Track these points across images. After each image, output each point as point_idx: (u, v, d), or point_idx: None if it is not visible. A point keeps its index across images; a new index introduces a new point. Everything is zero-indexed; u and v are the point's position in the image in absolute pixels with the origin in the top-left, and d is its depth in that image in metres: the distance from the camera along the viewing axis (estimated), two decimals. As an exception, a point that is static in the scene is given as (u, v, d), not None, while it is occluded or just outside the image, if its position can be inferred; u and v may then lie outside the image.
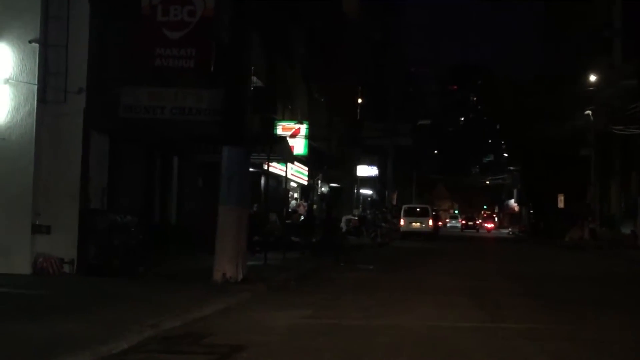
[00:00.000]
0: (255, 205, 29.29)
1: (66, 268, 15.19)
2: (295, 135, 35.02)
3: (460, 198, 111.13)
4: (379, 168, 56.12)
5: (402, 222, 45.35)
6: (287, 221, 33.19)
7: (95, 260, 15.51)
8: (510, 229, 65.99)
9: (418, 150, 71.49)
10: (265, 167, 31.47)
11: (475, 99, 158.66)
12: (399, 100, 59.08)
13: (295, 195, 42.59)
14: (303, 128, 35.58)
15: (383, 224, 39.64)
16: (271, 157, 21.75)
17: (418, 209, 46.94)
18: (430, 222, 45.73)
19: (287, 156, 22.11)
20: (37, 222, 15.01)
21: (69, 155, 15.35)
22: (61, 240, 15.14)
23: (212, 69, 16.01)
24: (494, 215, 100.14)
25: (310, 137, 35.49)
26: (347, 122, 51.01)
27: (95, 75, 15.68)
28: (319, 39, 43.43)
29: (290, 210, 38.27)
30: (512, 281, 18.93)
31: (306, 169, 41.22)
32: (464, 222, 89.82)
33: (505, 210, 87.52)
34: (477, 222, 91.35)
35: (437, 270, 22.14)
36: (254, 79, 28.33)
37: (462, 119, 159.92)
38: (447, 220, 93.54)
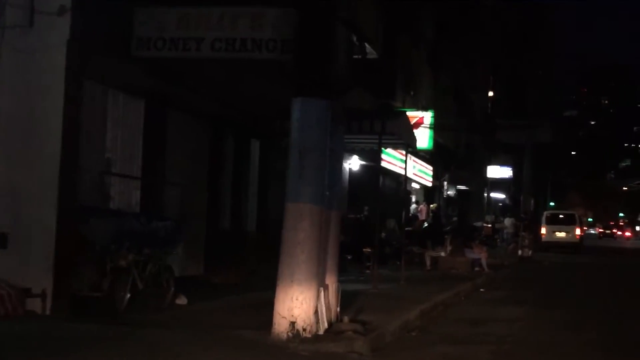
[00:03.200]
0: (366, 208, 22.58)
1: (34, 305, 8.79)
2: (419, 125, 27.96)
3: (594, 205, 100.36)
4: (512, 169, 48.12)
5: (543, 230, 37.42)
6: (408, 229, 26.30)
7: (87, 292, 9.07)
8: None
9: (556, 150, 62.76)
10: (382, 161, 24.79)
11: (607, 102, 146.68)
12: (536, 94, 50.91)
13: (414, 198, 35.57)
14: (427, 117, 28.52)
15: (523, 233, 31.96)
16: (385, 140, 14.85)
17: (562, 216, 38.85)
18: (578, 232, 37.58)
19: (408, 138, 15.25)
20: (-13, 228, 8.72)
21: (42, 119, 8.98)
22: (26, 258, 8.80)
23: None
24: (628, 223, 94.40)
25: (436, 127, 28.35)
26: (477, 116, 43.52)
27: (88, -13, 9.29)
28: (448, 21, 36.23)
29: (410, 215, 31.37)
30: None
31: (430, 168, 34.24)
32: (601, 230, 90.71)
33: (651, 219, 77.26)
34: (614, 231, 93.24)
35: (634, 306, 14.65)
36: (366, 47, 21.67)
37: (593, 122, 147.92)
38: (585, 228, 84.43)
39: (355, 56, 22.77)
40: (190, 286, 12.75)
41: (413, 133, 16.24)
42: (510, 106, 49.92)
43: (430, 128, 28.28)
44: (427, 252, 21.10)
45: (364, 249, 20.07)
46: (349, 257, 20.46)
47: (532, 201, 46.86)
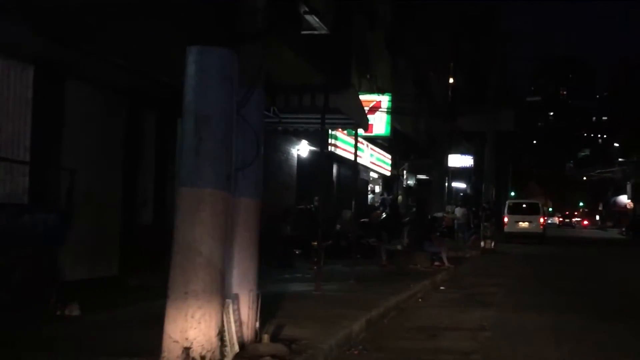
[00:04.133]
0: (317, 198, 20.47)
1: None
2: (376, 109, 26.01)
3: (554, 194, 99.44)
4: (474, 156, 46.29)
5: (506, 220, 35.65)
6: (363, 220, 24.30)
7: None
8: (623, 228, 55.15)
9: (518, 138, 61.16)
10: (336, 147, 22.81)
11: (565, 92, 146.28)
12: (496, 82, 49.17)
13: (377, 188, 33.61)
14: (385, 100, 26.51)
15: (485, 224, 30.12)
16: (331, 119, 12.74)
17: (525, 205, 37.09)
18: (541, 221, 35.87)
19: (358, 118, 13.13)
20: None
21: None
22: None
23: None
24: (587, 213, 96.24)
25: (393, 111, 26.35)
26: (437, 103, 41.61)
27: None
28: (407, 4, 34.24)
29: (369, 206, 29.41)
30: None
31: (389, 156, 32.27)
32: (560, 219, 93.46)
33: (612, 208, 76.07)
34: (573, 220, 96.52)
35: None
36: (313, 19, 19.50)
37: (552, 113, 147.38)
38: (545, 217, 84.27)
39: (304, 32, 20.56)
40: (99, 290, 10.67)
41: (364, 112, 14.13)
42: (471, 94, 48.15)
43: (387, 113, 26.28)
44: (382, 245, 19.08)
45: (313, 243, 18.05)
46: (297, 252, 18.47)
47: (494, 190, 45.19)
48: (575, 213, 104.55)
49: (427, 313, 10.99)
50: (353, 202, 15.43)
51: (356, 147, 14.42)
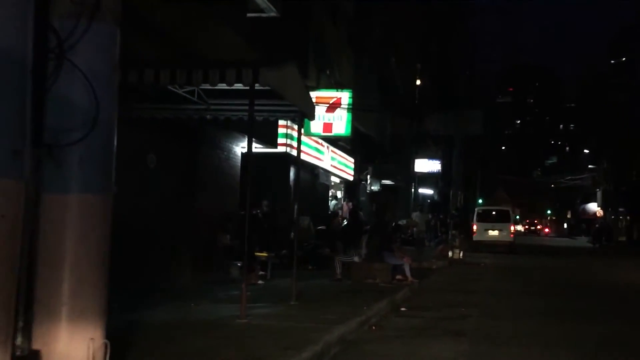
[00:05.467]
0: (265, 202, 17.96)
1: None
2: (336, 106, 23.49)
3: (521, 202, 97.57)
4: (441, 161, 43.93)
5: (475, 228, 33.26)
6: (320, 227, 21.85)
7: None
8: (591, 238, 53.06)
9: (486, 143, 59.04)
10: (288, 149, 20.24)
11: (532, 101, 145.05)
12: (464, 87, 47.06)
13: (339, 194, 31.09)
14: (345, 97, 23.98)
15: (453, 232, 27.66)
16: (264, 105, 10.15)
17: (495, 213, 34.70)
18: (512, 230, 33.51)
19: (302, 104, 10.50)
20: None
21: None
22: None
23: None
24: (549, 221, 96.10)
25: (354, 107, 23.83)
26: (403, 106, 39.19)
27: None
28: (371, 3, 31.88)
29: (330, 212, 26.90)
30: None
31: (352, 160, 29.79)
32: (526, 227, 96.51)
33: (581, 216, 74.11)
34: (538, 228, 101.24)
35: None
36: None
37: (518, 121, 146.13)
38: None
39: (251, 14, 17.78)
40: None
41: (309, 97, 11.50)
42: (440, 97, 45.89)
43: (348, 110, 23.72)
44: (337, 256, 16.53)
45: (259, 254, 15.56)
46: (238, 264, 15.86)
47: (462, 197, 42.87)
48: (535, 221, 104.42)
49: (380, 349, 8.40)
50: (296, 207, 12.75)
51: (299, 141, 11.85)
